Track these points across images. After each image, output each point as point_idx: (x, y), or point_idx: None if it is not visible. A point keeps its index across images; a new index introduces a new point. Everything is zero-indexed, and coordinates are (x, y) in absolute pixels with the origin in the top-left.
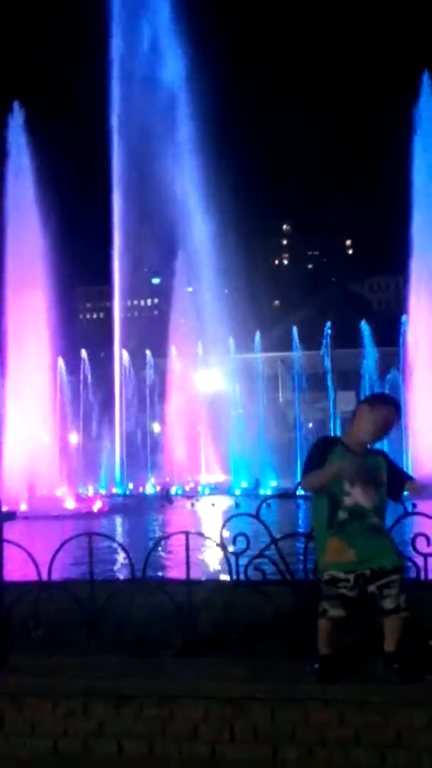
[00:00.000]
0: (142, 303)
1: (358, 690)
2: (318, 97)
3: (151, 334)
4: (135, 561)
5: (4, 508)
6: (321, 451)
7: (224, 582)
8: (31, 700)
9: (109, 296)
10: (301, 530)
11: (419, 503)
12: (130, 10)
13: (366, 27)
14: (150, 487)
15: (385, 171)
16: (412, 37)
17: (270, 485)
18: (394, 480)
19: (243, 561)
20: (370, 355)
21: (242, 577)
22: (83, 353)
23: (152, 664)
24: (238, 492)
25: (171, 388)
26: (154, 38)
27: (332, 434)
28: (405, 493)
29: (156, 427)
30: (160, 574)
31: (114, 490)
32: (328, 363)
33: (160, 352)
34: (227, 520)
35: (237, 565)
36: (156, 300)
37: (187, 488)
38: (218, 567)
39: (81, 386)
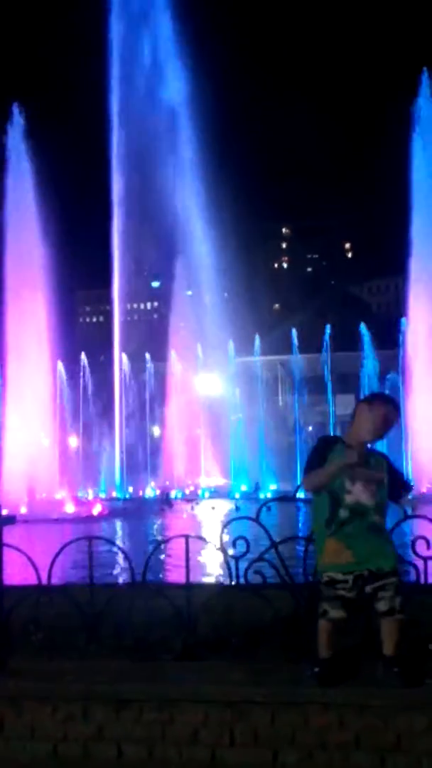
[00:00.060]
0: (142, 306)
1: (358, 693)
2: (317, 100)
3: (151, 337)
4: (135, 565)
5: (4, 512)
6: (321, 450)
7: (224, 585)
8: (31, 704)
9: (108, 300)
10: (301, 533)
11: (419, 507)
12: (129, 11)
13: (366, 27)
14: (150, 491)
15: (384, 174)
16: (413, 38)
17: (270, 488)
18: (395, 484)
19: (243, 564)
20: (369, 358)
21: (242, 580)
22: (83, 357)
23: (152, 668)
24: (237, 495)
25: (171, 392)
26: (154, 39)
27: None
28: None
29: (156, 431)
30: (160, 577)
31: (114, 494)
32: (327, 366)
33: (160, 356)
34: (227, 523)
35: (237, 568)
36: (156, 303)
37: (187, 492)
38: (218, 570)
39: (81, 390)
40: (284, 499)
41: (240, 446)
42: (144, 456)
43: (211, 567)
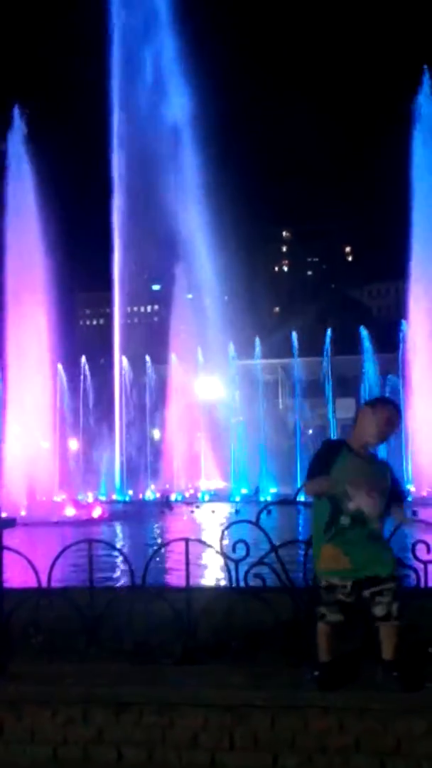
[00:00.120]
0: (142, 309)
1: (358, 697)
2: (317, 101)
3: (151, 340)
4: (135, 568)
5: (4, 515)
6: (325, 455)
7: (224, 589)
8: (31, 708)
9: (109, 302)
10: (301, 537)
11: (420, 511)
12: (129, 11)
13: (366, 27)
14: (150, 494)
15: (385, 177)
16: (413, 39)
17: (270, 492)
18: (392, 494)
19: (243, 568)
20: (369, 362)
21: (242, 584)
22: (83, 359)
23: (152, 672)
24: (238, 499)
25: (171, 395)
26: (154, 39)
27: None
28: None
29: (156, 434)
30: (160, 581)
31: (114, 497)
32: (327, 369)
33: (160, 359)
34: (227, 527)
35: (237, 572)
36: (156, 306)
37: (187, 495)
38: (218, 574)
39: (81, 392)
40: (285, 502)
41: (240, 449)
42: (144, 459)
43: (212, 570)
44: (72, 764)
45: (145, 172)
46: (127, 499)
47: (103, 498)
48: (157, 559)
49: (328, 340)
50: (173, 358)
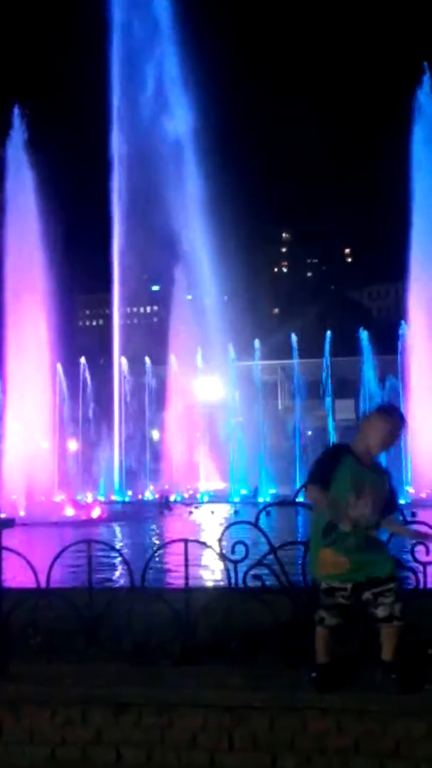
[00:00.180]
0: (142, 310)
1: (357, 699)
2: (317, 101)
3: (151, 341)
4: (134, 569)
5: (3, 515)
6: (329, 461)
7: (223, 590)
8: (30, 708)
9: (108, 303)
10: (300, 538)
11: (419, 512)
12: (129, 11)
13: (367, 27)
14: (149, 494)
15: (385, 178)
16: (414, 39)
17: (269, 493)
18: (387, 505)
19: (242, 569)
20: (369, 363)
21: (241, 585)
22: (82, 360)
23: (151, 672)
24: (237, 499)
25: (170, 396)
26: (154, 39)
27: (331, 442)
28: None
29: (155, 434)
30: (158, 582)
31: (113, 497)
32: (327, 371)
33: (160, 360)
34: (226, 527)
35: (236, 573)
36: (155, 307)
37: (186, 495)
38: (217, 575)
39: (80, 393)
40: (284, 503)
41: (239, 450)
42: (143, 459)
43: (211, 571)
44: (71, 765)
45: (145, 172)
46: (126, 499)
47: (102, 498)
48: (156, 559)
49: (327, 341)
50: (173, 358)
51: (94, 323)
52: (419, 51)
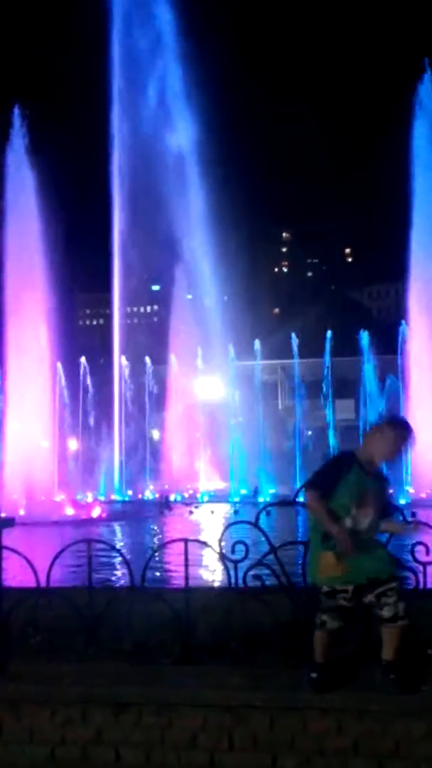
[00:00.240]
0: (142, 310)
1: (357, 699)
2: (317, 101)
3: (151, 341)
4: (134, 568)
5: (3, 515)
6: (335, 473)
7: (223, 590)
8: (30, 708)
9: (108, 303)
10: (300, 538)
11: (418, 512)
12: (129, 11)
13: (367, 27)
14: (149, 494)
15: (385, 178)
16: (414, 40)
17: (269, 493)
18: (384, 510)
19: (242, 569)
20: (369, 363)
21: (241, 584)
22: (83, 360)
23: (151, 672)
24: (237, 499)
25: (170, 395)
26: (154, 39)
27: (330, 441)
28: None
29: (155, 434)
30: (159, 581)
31: (113, 497)
32: (327, 371)
33: (160, 359)
34: (226, 527)
35: (236, 573)
36: (156, 307)
37: (186, 495)
38: (217, 575)
39: (80, 392)
40: (284, 503)
41: (239, 450)
42: (143, 459)
43: (211, 571)
44: (70, 764)
45: (146, 172)
46: (126, 499)
47: (102, 498)
48: (156, 559)
49: (328, 341)
50: (173, 358)
51: (95, 323)
52: (419, 51)
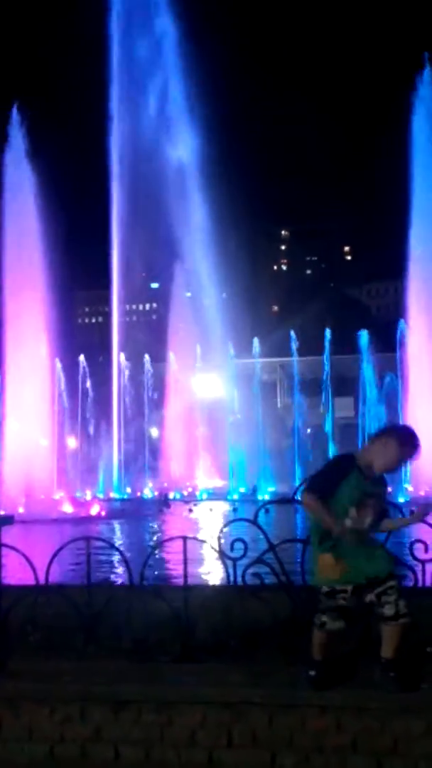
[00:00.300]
0: (141, 308)
1: (356, 696)
2: (317, 100)
3: (150, 338)
4: (133, 566)
5: (2, 512)
6: (336, 476)
7: (222, 588)
8: (29, 706)
9: (107, 301)
10: (299, 536)
11: (417, 510)
12: (128, 10)
13: (366, 27)
14: (148, 492)
15: (384, 176)
16: (414, 40)
17: (267, 490)
18: (381, 512)
19: (241, 566)
20: (368, 361)
21: (240, 582)
22: (81, 357)
23: (150, 670)
24: (235, 497)
25: (169, 393)
26: (154, 39)
27: (329, 439)
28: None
29: (154, 432)
30: (158, 579)
31: (112, 495)
32: (326, 369)
33: (159, 357)
34: (225, 525)
35: (235, 570)
36: (154, 305)
37: (185, 493)
38: (216, 572)
39: (79, 390)
40: (282, 501)
41: (238, 448)
42: (142, 457)
43: (210, 569)
44: (69, 762)
45: (145, 170)
46: (125, 496)
47: (101, 496)
48: (155, 557)
49: (327, 339)
50: (172, 356)
51: (94, 320)
52: (418, 51)
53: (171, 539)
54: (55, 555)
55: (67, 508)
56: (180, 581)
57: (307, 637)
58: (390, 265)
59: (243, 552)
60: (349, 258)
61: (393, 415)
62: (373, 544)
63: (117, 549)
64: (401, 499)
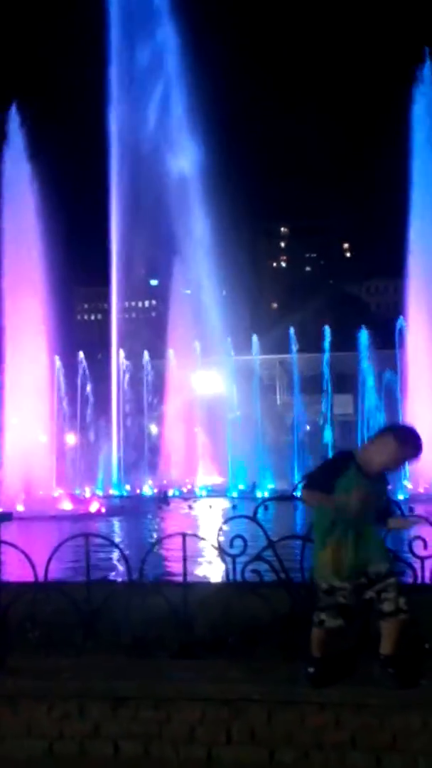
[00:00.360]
0: (140, 304)
1: (355, 693)
2: (317, 100)
3: (149, 335)
4: (132, 563)
5: (1, 509)
6: (334, 472)
7: (221, 584)
8: (28, 702)
9: (107, 297)
10: (298, 532)
11: (416, 507)
12: (128, 10)
13: (366, 27)
14: (147, 489)
15: (383, 174)
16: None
17: (267, 487)
18: (385, 511)
19: (240, 563)
20: (367, 358)
21: (239, 579)
22: (81, 354)
23: (149, 666)
24: (235, 494)
25: (168, 390)
26: (154, 38)
27: (329, 438)
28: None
29: (153, 429)
30: (157, 575)
31: (111, 492)
32: (326, 366)
33: (158, 354)
34: (224, 522)
35: (234, 567)
36: (154, 301)
37: (185, 490)
38: (215, 569)
39: (78, 387)
40: (282, 498)
41: (237, 445)
42: (141, 454)
43: (209, 565)
44: (68, 759)
45: (144, 168)
46: (125, 494)
47: (100, 493)
48: (155, 553)
49: (326, 336)
50: (171, 353)
51: (93, 317)
52: (417, 51)
53: (170, 536)
54: (54, 552)
55: (66, 505)
56: (179, 578)
57: (306, 634)
58: (389, 263)
59: (242, 549)
60: (348, 255)
61: (392, 413)
62: (374, 542)
63: (116, 546)
64: (400, 496)
